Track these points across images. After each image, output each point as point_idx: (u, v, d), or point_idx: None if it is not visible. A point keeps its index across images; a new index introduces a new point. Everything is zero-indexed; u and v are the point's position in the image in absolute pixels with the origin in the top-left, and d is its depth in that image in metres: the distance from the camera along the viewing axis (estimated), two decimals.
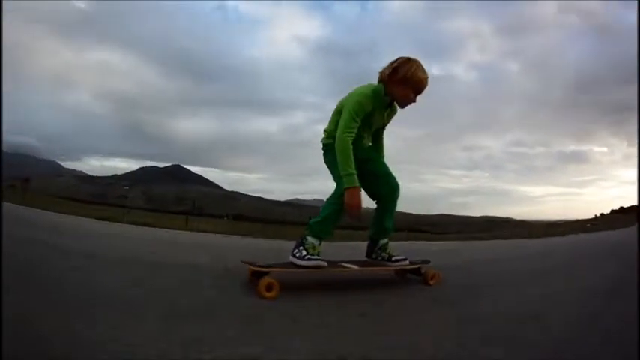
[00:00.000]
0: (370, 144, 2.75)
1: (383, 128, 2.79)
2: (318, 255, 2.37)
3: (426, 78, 2.47)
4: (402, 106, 2.58)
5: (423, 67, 2.46)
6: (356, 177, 2.34)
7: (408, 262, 2.65)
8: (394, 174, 2.63)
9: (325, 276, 2.58)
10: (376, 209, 2.70)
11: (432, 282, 2.62)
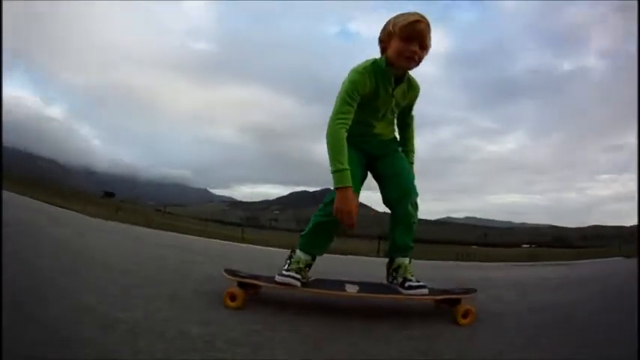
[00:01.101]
0: (389, 135, 2.17)
1: (409, 113, 2.20)
2: (298, 271, 1.96)
3: (413, 20, 1.85)
4: (405, 65, 1.92)
5: (410, 12, 1.90)
6: (348, 174, 1.81)
7: (426, 291, 1.91)
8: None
9: (317, 297, 2.05)
10: (390, 220, 2.11)
11: (464, 321, 1.79)
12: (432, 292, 1.97)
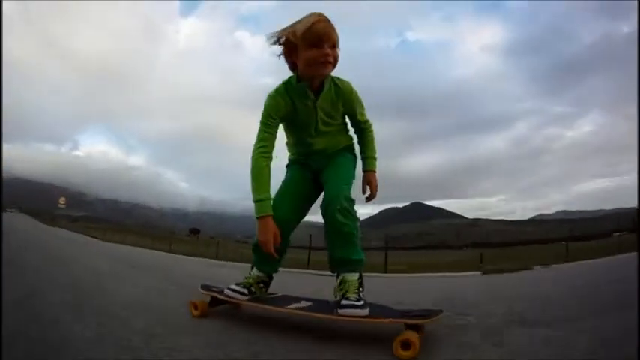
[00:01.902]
0: (337, 146, 2.02)
1: (356, 118, 1.99)
2: (247, 286, 1.98)
3: (314, 21, 1.71)
4: (322, 72, 1.77)
5: (304, 17, 1.76)
6: (268, 204, 1.80)
7: (362, 312, 1.61)
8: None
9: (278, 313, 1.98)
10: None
11: (403, 354, 1.39)
12: (386, 312, 1.66)
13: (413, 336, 1.42)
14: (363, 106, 1.99)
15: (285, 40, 1.77)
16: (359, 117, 1.98)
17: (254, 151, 1.84)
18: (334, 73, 1.83)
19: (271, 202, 1.82)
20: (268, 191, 1.81)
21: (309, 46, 1.71)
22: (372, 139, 2.04)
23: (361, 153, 2.06)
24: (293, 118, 1.88)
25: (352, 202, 1.81)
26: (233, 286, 1.98)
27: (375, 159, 2.04)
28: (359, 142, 2.06)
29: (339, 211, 1.75)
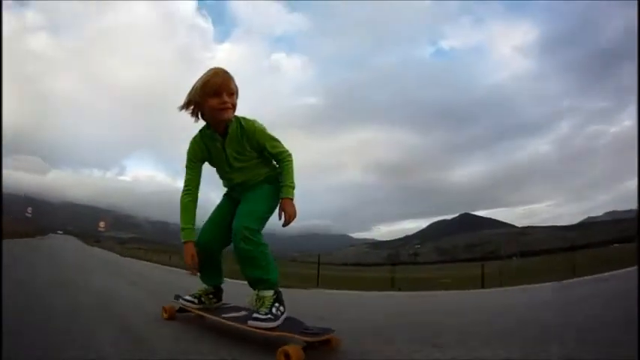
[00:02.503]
0: (257, 178, 2.31)
1: (270, 151, 2.27)
2: (197, 297, 2.47)
3: (210, 75, 2.14)
4: (223, 117, 2.15)
5: (204, 75, 2.16)
6: (189, 232, 2.27)
7: (265, 324, 1.94)
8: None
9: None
10: None
11: None
12: (292, 327, 1.95)
13: (292, 349, 1.69)
14: (273, 139, 2.26)
15: (191, 99, 2.17)
16: (270, 150, 2.25)
17: (182, 190, 2.31)
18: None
19: (193, 230, 2.27)
20: (190, 222, 2.27)
21: (210, 96, 2.10)
22: (289, 169, 2.26)
23: (279, 182, 2.28)
24: (210, 158, 2.32)
25: (254, 230, 2.10)
26: (186, 297, 2.50)
27: (290, 187, 2.22)
28: (280, 173, 2.31)
29: (242, 240, 2.06)
